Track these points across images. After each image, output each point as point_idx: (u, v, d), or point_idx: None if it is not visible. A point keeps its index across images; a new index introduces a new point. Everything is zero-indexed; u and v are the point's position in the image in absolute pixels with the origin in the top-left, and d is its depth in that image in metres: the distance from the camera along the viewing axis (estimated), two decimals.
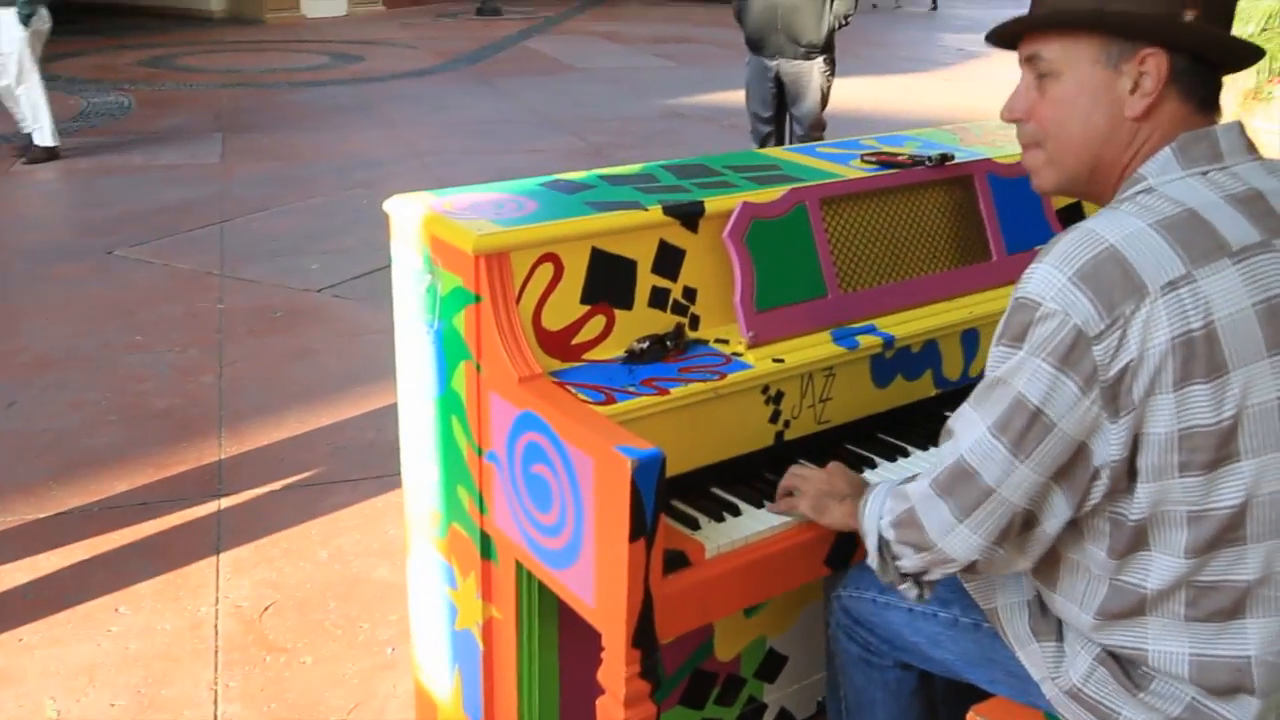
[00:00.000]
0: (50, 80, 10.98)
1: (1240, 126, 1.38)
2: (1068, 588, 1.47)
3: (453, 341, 1.86)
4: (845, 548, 1.82)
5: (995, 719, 1.62)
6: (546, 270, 1.82)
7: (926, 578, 1.50)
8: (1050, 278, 1.29)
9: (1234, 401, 1.25)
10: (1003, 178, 2.31)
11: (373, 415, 3.92)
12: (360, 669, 2.61)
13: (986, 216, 2.27)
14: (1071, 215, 2.54)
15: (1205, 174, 1.33)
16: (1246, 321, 1.26)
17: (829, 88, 6.28)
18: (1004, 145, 2.49)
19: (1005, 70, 11.95)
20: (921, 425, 2.10)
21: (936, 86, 12.25)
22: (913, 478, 1.50)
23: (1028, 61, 1.44)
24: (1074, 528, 1.41)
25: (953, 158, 2.26)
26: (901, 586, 1.54)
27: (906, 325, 2.06)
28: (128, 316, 4.82)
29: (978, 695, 1.71)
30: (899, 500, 1.49)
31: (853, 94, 10.56)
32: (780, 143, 6.58)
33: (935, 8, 23.51)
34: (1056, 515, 1.36)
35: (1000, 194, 2.30)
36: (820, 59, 6.11)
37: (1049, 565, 1.48)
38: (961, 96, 11.56)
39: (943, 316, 2.11)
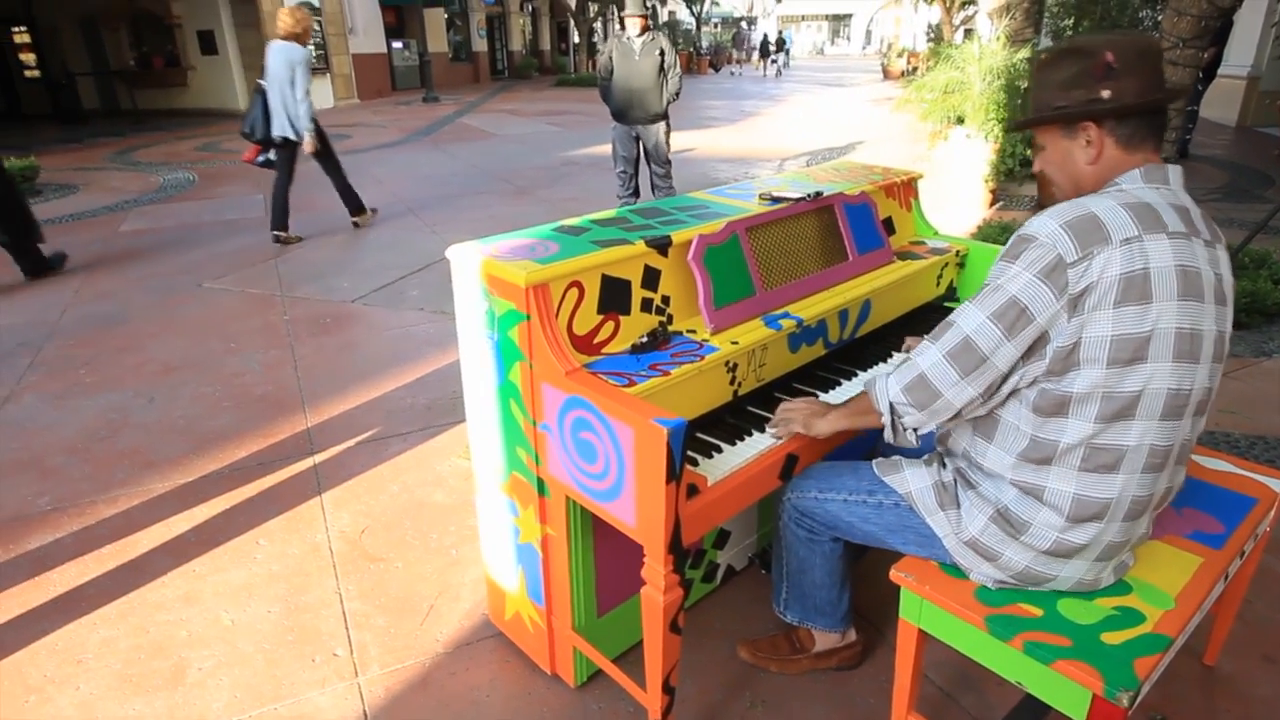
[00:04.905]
0: (135, 165, 10.11)
1: (1181, 169, 1.38)
2: (1000, 440, 1.43)
3: (508, 347, 1.67)
4: (789, 467, 1.71)
5: (909, 570, 1.54)
6: (574, 293, 1.65)
7: (921, 430, 1.43)
8: (1047, 223, 1.29)
9: (1151, 321, 1.26)
10: (851, 204, 2.21)
11: (408, 386, 3.66)
12: (436, 567, 2.41)
13: (844, 231, 2.17)
14: (887, 225, 2.47)
15: (1157, 189, 1.33)
16: (1169, 274, 1.26)
17: (669, 138, 6.25)
18: (840, 182, 2.39)
19: (771, 124, 12.12)
20: (819, 375, 2.00)
21: (731, 134, 12.18)
22: (907, 359, 1.43)
23: (1034, 142, 1.48)
24: (1016, 396, 1.38)
25: (821, 193, 2.14)
26: (907, 434, 1.46)
27: (807, 309, 1.94)
28: (222, 330, 4.38)
29: (880, 564, 1.65)
30: (908, 371, 1.41)
31: (686, 141, 10.51)
32: (639, 183, 6.47)
33: (780, 75, 23.09)
34: (1010, 381, 1.35)
35: (851, 215, 2.20)
36: (662, 122, 6.09)
37: (989, 425, 1.44)
38: (749, 139, 11.53)
39: (827, 302, 2.00)
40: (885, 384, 1.45)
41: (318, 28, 16.66)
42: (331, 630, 2.16)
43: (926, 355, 1.38)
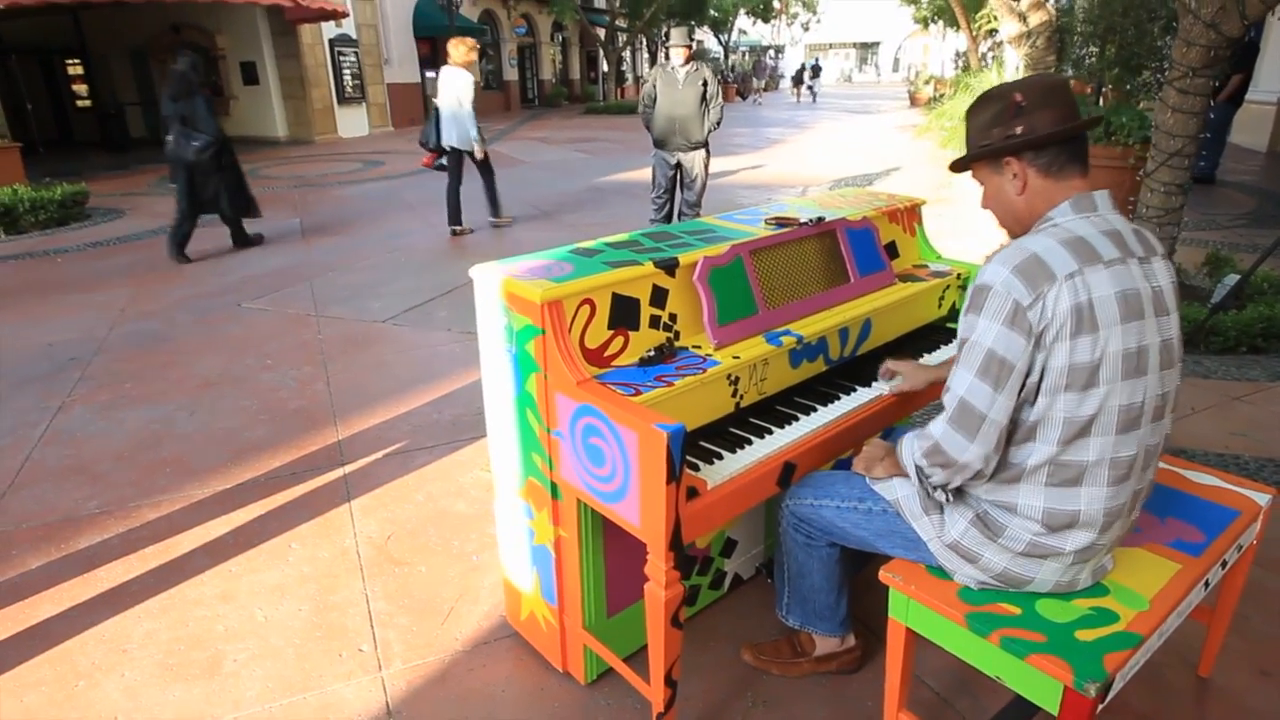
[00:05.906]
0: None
1: (1109, 193, 1.47)
2: None
3: (525, 360, 1.81)
4: (786, 475, 1.82)
5: (897, 572, 1.64)
6: (585, 310, 1.78)
7: (950, 486, 1.53)
8: (998, 271, 1.38)
9: (1100, 348, 1.35)
10: (853, 229, 2.33)
11: (434, 402, 3.82)
12: (458, 572, 2.54)
13: (846, 254, 2.29)
14: (890, 249, 2.59)
15: (1088, 218, 1.43)
16: (1110, 302, 1.36)
17: (708, 167, 6.37)
18: (844, 208, 2.51)
19: (795, 151, 12.21)
20: (819, 390, 2.11)
21: (757, 161, 12.35)
22: (926, 424, 1.53)
23: (975, 179, 1.59)
24: None
25: (824, 219, 2.27)
26: (935, 494, 1.56)
27: (808, 327, 2.06)
28: (259, 348, 4.59)
29: (871, 566, 1.74)
30: (924, 439, 1.51)
31: (712, 167, 10.63)
32: (672, 208, 6.60)
33: (815, 100, 22.60)
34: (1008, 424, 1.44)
35: (852, 239, 2.32)
36: (703, 150, 6.21)
37: None
38: (773, 166, 11.69)
39: (827, 320, 2.12)
40: (911, 448, 1.55)
41: (354, 59, 17.24)
42: (357, 628, 2.29)
43: (937, 424, 1.48)
